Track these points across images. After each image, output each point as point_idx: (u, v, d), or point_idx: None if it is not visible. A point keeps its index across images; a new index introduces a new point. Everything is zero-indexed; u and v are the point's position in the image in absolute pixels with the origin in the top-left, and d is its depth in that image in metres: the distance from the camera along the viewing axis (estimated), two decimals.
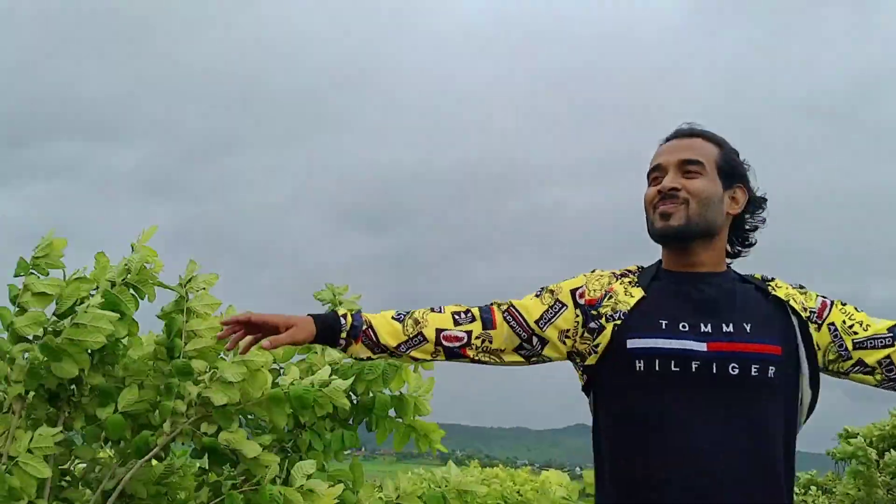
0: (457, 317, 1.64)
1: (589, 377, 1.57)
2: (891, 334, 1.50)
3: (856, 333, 1.51)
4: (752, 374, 1.42)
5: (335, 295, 2.98)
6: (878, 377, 1.51)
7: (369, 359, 1.67)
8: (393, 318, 1.63)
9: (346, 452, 2.88)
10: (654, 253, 1.64)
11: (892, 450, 10.48)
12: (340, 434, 2.78)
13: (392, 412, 2.86)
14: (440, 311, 1.64)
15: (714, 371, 1.42)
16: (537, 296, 1.64)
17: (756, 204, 1.59)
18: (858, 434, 11.04)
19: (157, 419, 2.43)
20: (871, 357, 1.50)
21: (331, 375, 2.53)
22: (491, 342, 1.62)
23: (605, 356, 1.50)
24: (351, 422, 2.88)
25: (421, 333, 1.61)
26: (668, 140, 1.59)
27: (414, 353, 1.63)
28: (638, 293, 1.53)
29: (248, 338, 1.58)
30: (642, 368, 1.45)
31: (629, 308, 1.51)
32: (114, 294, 2.32)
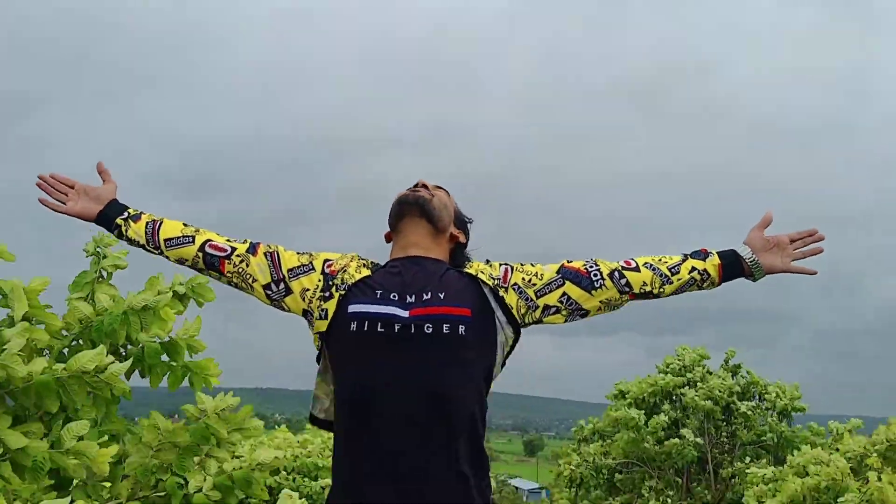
0: (228, 239, 1.93)
1: (322, 344, 1.81)
2: (559, 275, 1.83)
3: (534, 284, 1.82)
4: (444, 331, 1.68)
5: (99, 247, 2.88)
6: (564, 314, 1.84)
7: (140, 246, 1.93)
8: (177, 221, 1.94)
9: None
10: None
11: (656, 413, 11.78)
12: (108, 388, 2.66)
13: (164, 357, 2.80)
14: (215, 233, 1.93)
15: (412, 331, 1.69)
16: (299, 253, 1.91)
17: (465, 246, 1.99)
18: (628, 392, 12.32)
19: None
20: (552, 299, 1.82)
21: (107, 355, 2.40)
22: (248, 266, 1.88)
23: (332, 322, 1.76)
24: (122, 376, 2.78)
25: (192, 236, 1.91)
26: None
27: (178, 251, 1.90)
28: (365, 272, 1.83)
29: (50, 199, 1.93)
30: (355, 328, 1.71)
31: (354, 281, 1.80)
32: None
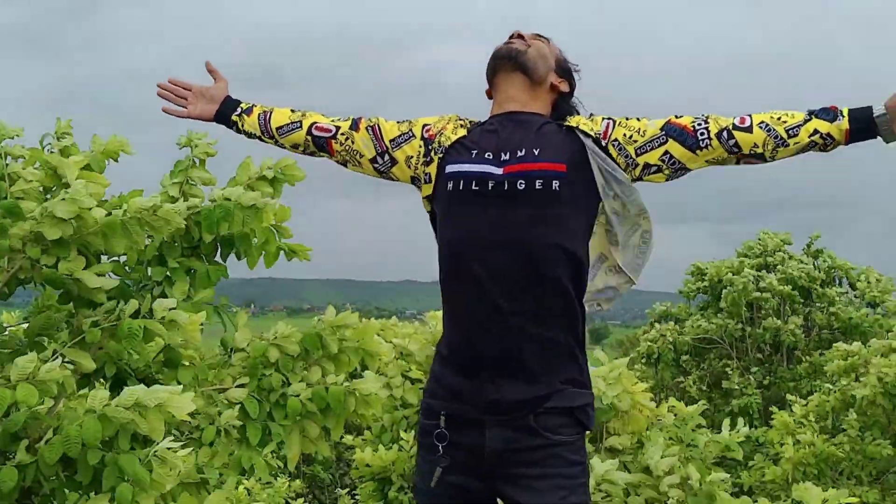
0: (333, 119, 1.94)
1: (431, 208, 1.84)
2: (663, 132, 1.71)
3: (635, 141, 1.73)
4: (537, 187, 1.66)
5: (192, 141, 3.01)
6: (667, 172, 1.74)
7: (256, 137, 2.00)
8: (285, 108, 1.98)
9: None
10: None
11: (730, 284, 11.55)
12: (206, 269, 2.77)
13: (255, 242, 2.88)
14: (322, 115, 1.96)
15: (506, 188, 1.68)
16: (399, 122, 1.91)
17: (571, 96, 1.90)
18: (706, 271, 12.13)
19: None
20: (653, 157, 1.72)
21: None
22: (353, 143, 1.90)
23: (435, 185, 1.80)
24: (217, 258, 2.87)
25: (300, 121, 1.94)
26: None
27: (289, 138, 1.95)
28: (461, 132, 1.82)
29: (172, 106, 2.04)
30: (451, 188, 1.73)
31: (450, 143, 1.80)
32: None
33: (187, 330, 2.54)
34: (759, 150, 1.66)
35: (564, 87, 1.87)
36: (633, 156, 1.72)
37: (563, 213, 1.67)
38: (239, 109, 2.00)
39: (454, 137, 1.80)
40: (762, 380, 11.14)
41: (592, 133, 1.74)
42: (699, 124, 1.69)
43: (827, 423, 6.74)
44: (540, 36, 1.89)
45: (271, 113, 1.96)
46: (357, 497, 6.56)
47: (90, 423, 2.06)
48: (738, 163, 1.70)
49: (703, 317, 11.92)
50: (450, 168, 1.75)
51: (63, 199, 2.27)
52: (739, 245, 12.31)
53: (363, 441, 4.18)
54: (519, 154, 1.70)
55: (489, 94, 1.89)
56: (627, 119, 1.77)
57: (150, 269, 2.72)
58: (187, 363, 2.76)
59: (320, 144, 1.93)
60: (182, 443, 2.31)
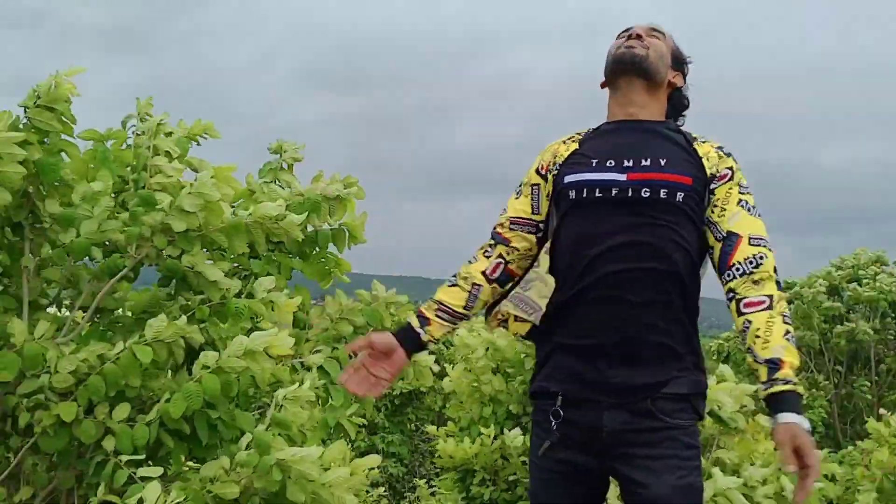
0: (486, 254, 1.92)
1: (553, 219, 1.88)
2: (726, 233, 1.73)
3: (715, 212, 1.77)
4: (661, 196, 1.72)
5: (282, 147, 3.37)
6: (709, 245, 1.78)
7: (451, 332, 1.95)
8: (448, 286, 1.90)
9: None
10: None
11: (828, 297, 11.29)
12: (290, 265, 3.04)
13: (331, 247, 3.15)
14: (474, 260, 1.92)
15: (630, 195, 1.73)
16: (517, 195, 1.94)
17: (685, 88, 1.94)
18: (794, 285, 11.89)
19: (123, 244, 2.60)
20: (710, 237, 1.77)
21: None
22: (517, 249, 1.90)
23: (554, 197, 1.85)
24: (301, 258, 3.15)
25: (474, 284, 1.89)
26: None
27: (481, 301, 1.91)
28: (573, 146, 1.88)
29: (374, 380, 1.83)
30: (573, 196, 1.79)
31: (564, 159, 1.86)
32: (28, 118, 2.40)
33: (284, 311, 2.78)
34: (741, 321, 1.68)
35: (679, 81, 1.92)
36: (707, 217, 1.77)
37: (681, 220, 1.73)
38: (419, 331, 1.86)
39: (567, 154, 1.86)
40: (836, 388, 10.84)
41: (712, 170, 1.78)
42: (742, 267, 1.69)
43: None
44: (655, 30, 1.90)
45: (447, 304, 1.87)
46: (434, 487, 6.68)
47: (209, 378, 2.29)
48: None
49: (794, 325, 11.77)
50: (568, 178, 1.80)
51: (190, 192, 2.47)
52: (823, 260, 12.10)
53: (446, 433, 4.28)
54: (643, 163, 1.75)
55: (603, 86, 1.92)
56: (743, 187, 1.78)
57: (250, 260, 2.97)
58: None
59: (503, 279, 1.92)
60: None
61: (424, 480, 7.81)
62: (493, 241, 1.93)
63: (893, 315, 11.13)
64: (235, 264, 3.01)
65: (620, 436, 1.70)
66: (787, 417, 1.57)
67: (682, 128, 1.90)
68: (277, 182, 3.26)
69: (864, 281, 11.14)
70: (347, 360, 2.96)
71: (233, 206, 2.85)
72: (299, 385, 2.53)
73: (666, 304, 1.72)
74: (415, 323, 1.86)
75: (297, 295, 3.03)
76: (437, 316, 1.86)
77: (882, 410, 7.39)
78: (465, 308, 1.88)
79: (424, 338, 1.85)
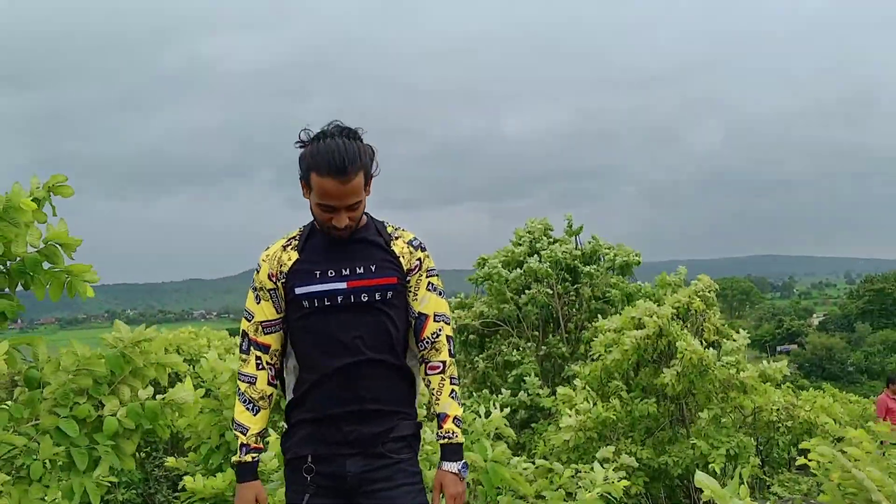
0: (258, 367, 2.26)
1: (287, 313, 2.25)
2: (419, 315, 2.26)
3: (412, 291, 2.27)
4: (377, 298, 2.17)
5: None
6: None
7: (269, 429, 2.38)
8: (253, 415, 2.25)
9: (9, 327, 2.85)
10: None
11: (516, 269, 12.86)
12: None
13: (46, 265, 2.83)
14: (252, 379, 2.25)
15: (352, 300, 2.16)
16: (257, 300, 2.26)
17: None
18: (488, 260, 13.40)
19: None
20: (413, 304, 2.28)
21: None
22: (277, 349, 2.28)
23: (287, 301, 2.22)
24: (7, 291, 2.82)
25: (269, 396, 2.28)
26: (331, 173, 2.07)
27: (270, 404, 2.29)
28: (294, 255, 2.21)
29: None
30: (307, 305, 2.17)
31: (289, 268, 2.20)
32: None
33: None
34: (425, 380, 2.27)
35: (369, 187, 2.20)
36: (409, 290, 2.27)
37: (393, 311, 2.21)
38: (256, 458, 2.27)
39: (290, 263, 2.21)
40: (537, 351, 12.49)
41: (407, 265, 2.24)
42: (427, 341, 2.24)
43: (606, 390, 7.78)
44: (354, 189, 2.12)
45: (264, 430, 2.28)
46: None
47: None
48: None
49: (484, 303, 13.21)
50: (299, 290, 2.16)
51: None
52: (516, 221, 13.91)
53: (187, 462, 4.24)
54: (358, 271, 2.17)
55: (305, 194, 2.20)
56: (429, 274, 2.28)
57: None
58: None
59: (280, 377, 2.31)
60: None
61: None
62: (257, 353, 2.25)
63: (570, 278, 13.08)
64: None
65: (362, 476, 2.14)
66: (446, 466, 2.18)
67: (378, 224, 2.27)
68: None
69: (543, 252, 12.93)
70: (90, 416, 2.83)
71: None
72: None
73: (388, 377, 2.20)
74: (249, 459, 2.24)
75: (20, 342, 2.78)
76: (259, 440, 2.26)
77: (575, 368, 8.79)
78: (258, 429, 2.26)
79: (260, 457, 2.30)
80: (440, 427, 2.21)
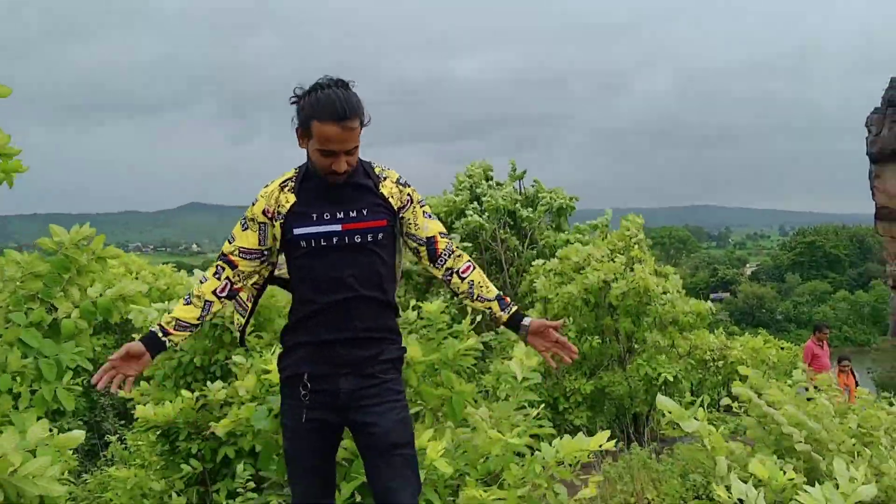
0: (216, 276, 2.43)
1: (284, 253, 2.44)
2: (426, 239, 2.51)
3: (415, 230, 2.51)
4: (368, 239, 2.37)
5: None
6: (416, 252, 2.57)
7: (186, 337, 2.45)
8: (184, 304, 2.40)
9: None
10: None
11: (458, 220, 12.96)
12: None
13: None
14: (205, 280, 2.43)
15: (346, 241, 2.35)
16: (244, 227, 2.43)
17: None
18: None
19: None
20: (412, 244, 2.53)
21: None
22: (243, 272, 2.45)
23: (284, 242, 2.39)
24: None
25: (207, 301, 2.41)
26: (333, 119, 2.22)
27: (213, 313, 2.44)
28: (292, 198, 2.37)
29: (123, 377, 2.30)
30: (304, 245, 2.35)
31: (287, 210, 2.36)
32: None
33: None
34: (458, 291, 2.54)
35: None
36: (408, 233, 2.50)
37: (383, 250, 2.40)
38: (164, 339, 2.36)
39: (288, 206, 2.36)
40: None
41: (398, 203, 2.42)
42: (446, 254, 2.52)
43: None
44: (354, 136, 2.28)
45: (183, 320, 2.37)
46: (127, 444, 6.53)
47: None
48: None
49: None
50: (297, 231, 2.33)
51: None
52: (466, 162, 13.99)
53: (139, 392, 4.27)
54: (352, 214, 2.34)
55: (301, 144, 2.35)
56: (421, 205, 2.49)
57: None
58: None
59: (233, 296, 2.47)
60: None
61: (116, 438, 7.54)
62: (222, 264, 2.43)
63: (512, 222, 13.36)
64: None
65: (354, 394, 2.37)
66: (529, 318, 2.52)
67: (366, 165, 2.43)
68: None
69: (483, 197, 13.13)
70: (43, 320, 2.88)
71: None
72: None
73: (377, 310, 2.41)
74: (159, 333, 2.35)
75: None
76: (175, 329, 2.38)
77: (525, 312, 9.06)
78: (197, 320, 2.41)
79: (168, 345, 2.38)
80: (503, 301, 2.54)
